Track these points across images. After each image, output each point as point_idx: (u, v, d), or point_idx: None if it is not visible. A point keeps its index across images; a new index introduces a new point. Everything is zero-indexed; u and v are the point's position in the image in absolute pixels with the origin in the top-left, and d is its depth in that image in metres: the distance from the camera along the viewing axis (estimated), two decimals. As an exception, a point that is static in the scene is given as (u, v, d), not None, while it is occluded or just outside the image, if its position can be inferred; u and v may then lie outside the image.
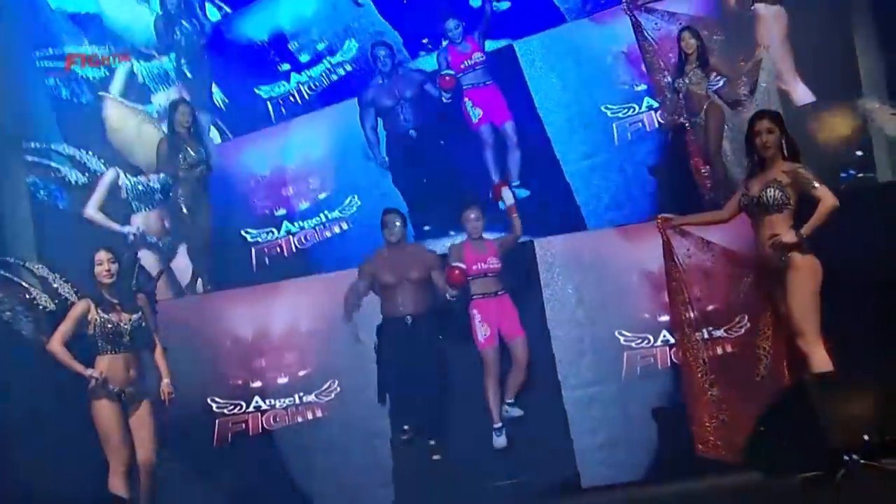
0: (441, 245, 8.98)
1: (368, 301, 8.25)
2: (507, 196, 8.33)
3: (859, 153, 9.16)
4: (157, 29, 10.36)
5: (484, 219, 8.28)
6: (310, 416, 8.55)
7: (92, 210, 9.78)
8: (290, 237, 10.08)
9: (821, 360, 6.42)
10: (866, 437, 5.47)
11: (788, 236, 6.45)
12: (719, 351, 7.37)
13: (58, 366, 6.73)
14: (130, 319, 6.82)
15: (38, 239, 9.44)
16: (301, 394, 8.57)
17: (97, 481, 6.55)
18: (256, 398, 8.56)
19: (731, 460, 6.87)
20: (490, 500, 8.10)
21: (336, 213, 10.05)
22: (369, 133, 9.88)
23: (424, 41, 10.23)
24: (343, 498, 8.37)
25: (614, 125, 9.76)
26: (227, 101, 10.53)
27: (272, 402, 8.58)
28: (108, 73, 10.30)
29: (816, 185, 6.48)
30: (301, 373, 8.64)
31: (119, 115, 10.22)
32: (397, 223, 8.28)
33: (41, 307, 7.12)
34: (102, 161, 9.95)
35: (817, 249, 6.50)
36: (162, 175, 9.32)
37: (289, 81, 10.54)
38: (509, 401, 8.16)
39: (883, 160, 9.29)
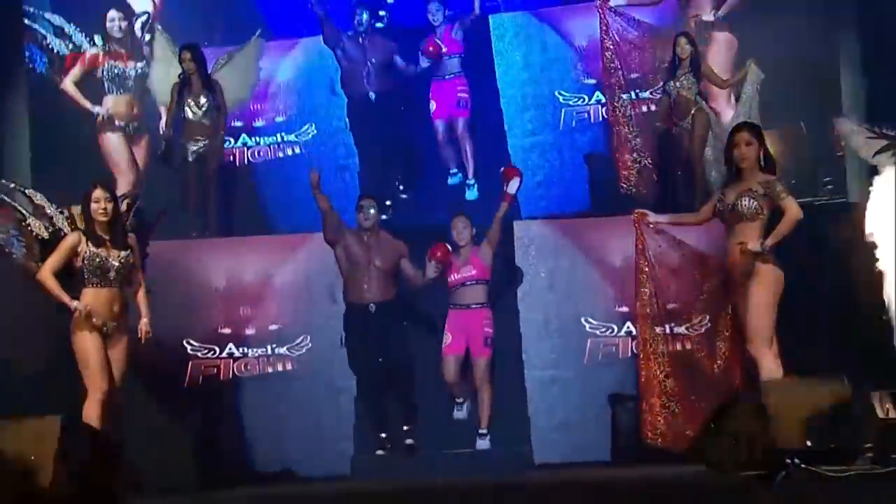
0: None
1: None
2: (513, 186, 8.30)
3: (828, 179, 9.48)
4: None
5: (472, 228, 8.27)
6: (280, 368, 8.70)
7: (69, 83, 9.81)
8: (245, 149, 10.35)
9: (769, 365, 6.65)
10: (809, 444, 5.61)
11: (754, 245, 6.64)
12: (678, 346, 7.52)
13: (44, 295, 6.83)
14: (119, 256, 6.87)
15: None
16: (274, 345, 8.71)
17: (70, 410, 6.54)
18: (230, 345, 8.68)
19: (677, 451, 7.13)
20: (446, 467, 8.21)
21: (292, 137, 10.34)
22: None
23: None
24: (304, 449, 8.55)
25: (563, 111, 10.13)
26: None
27: (245, 350, 8.71)
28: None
29: (785, 196, 6.69)
30: (275, 326, 8.78)
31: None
32: (372, 210, 8.26)
33: (34, 234, 7.00)
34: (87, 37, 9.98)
35: (785, 263, 6.71)
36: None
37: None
38: (482, 430, 8.20)
39: (855, 183, 9.46)
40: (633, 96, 9.27)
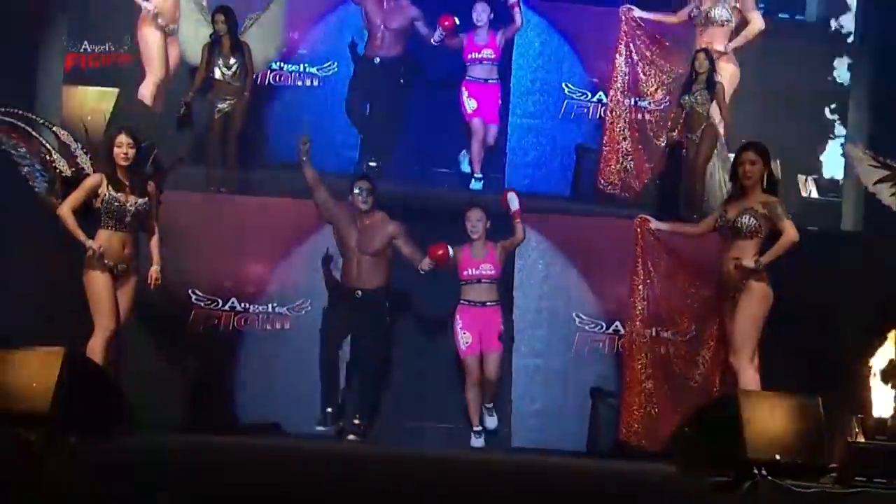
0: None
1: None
2: (513, 201, 8.25)
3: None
4: None
5: (487, 221, 8.17)
6: (278, 326, 8.80)
7: None
8: (268, 72, 10.27)
9: (749, 379, 6.85)
10: (777, 457, 5.67)
11: (749, 262, 6.82)
12: (662, 350, 7.72)
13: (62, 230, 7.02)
14: (136, 202, 7.05)
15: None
16: (275, 304, 8.80)
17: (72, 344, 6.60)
18: (233, 299, 8.77)
19: (650, 450, 7.37)
20: (424, 439, 8.45)
21: (314, 70, 10.33)
22: None
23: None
24: (292, 407, 8.64)
25: (565, 102, 10.31)
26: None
27: (246, 305, 8.80)
28: None
29: (784, 218, 6.88)
30: (278, 286, 8.86)
31: None
32: (367, 193, 8.11)
33: (58, 171, 7.18)
34: None
35: (776, 282, 6.91)
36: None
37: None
38: (488, 405, 8.29)
39: (850, 209, 9.78)
40: (633, 102, 9.63)
